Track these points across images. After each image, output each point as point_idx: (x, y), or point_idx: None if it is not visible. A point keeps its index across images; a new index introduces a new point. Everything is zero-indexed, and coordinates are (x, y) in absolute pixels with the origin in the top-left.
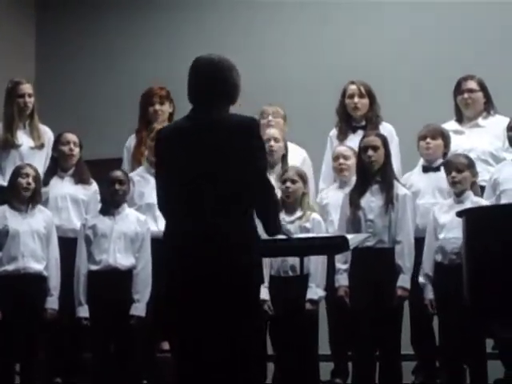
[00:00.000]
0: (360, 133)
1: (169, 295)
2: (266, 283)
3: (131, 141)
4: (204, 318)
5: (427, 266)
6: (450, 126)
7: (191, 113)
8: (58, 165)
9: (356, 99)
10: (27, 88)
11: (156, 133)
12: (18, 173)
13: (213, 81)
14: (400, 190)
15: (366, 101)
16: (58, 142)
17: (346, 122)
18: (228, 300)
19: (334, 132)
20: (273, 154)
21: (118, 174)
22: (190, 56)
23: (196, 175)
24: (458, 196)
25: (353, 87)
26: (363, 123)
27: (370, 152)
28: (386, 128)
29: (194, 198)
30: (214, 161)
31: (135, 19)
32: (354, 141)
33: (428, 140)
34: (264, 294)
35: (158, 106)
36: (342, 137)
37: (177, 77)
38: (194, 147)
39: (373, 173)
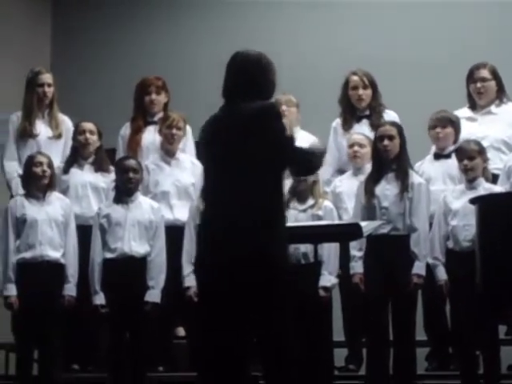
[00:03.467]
0: (365, 122)
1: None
2: None
3: (126, 129)
4: (231, 310)
5: (437, 250)
6: (463, 113)
7: (223, 105)
8: (78, 154)
9: (360, 91)
10: (47, 78)
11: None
12: (31, 162)
13: (248, 78)
14: (415, 178)
15: (369, 91)
16: (76, 131)
17: (350, 112)
18: (253, 288)
19: (337, 122)
20: None
21: (131, 162)
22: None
23: (224, 162)
24: (470, 182)
25: (355, 78)
26: (367, 112)
27: (386, 141)
28: (390, 115)
29: (222, 186)
30: (236, 148)
31: (151, 9)
32: (358, 130)
33: (438, 129)
34: None
35: (154, 96)
36: (346, 127)
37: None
38: (221, 136)
39: (388, 161)
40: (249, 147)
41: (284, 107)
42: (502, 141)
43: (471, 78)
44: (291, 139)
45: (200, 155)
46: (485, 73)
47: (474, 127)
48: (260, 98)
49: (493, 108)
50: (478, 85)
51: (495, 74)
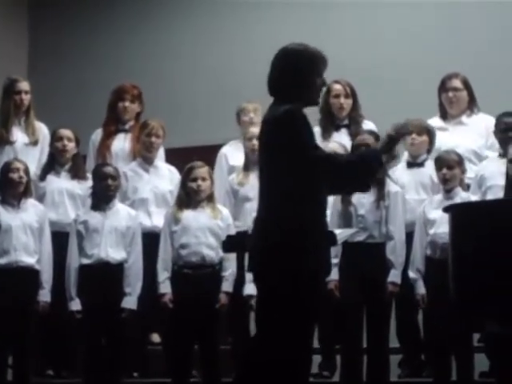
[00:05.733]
0: (343, 131)
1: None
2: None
3: (97, 135)
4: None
5: (418, 261)
6: (434, 122)
7: (270, 105)
8: (54, 160)
9: (342, 100)
10: (24, 85)
11: None
12: (7, 169)
13: (281, 72)
14: (392, 187)
15: (350, 101)
16: (53, 138)
17: (330, 121)
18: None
19: (316, 130)
20: (255, 153)
21: (109, 169)
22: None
23: (260, 167)
24: (448, 192)
25: (338, 87)
26: (346, 122)
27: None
28: (367, 126)
29: (259, 196)
30: (262, 156)
31: (131, 12)
32: (337, 139)
33: (413, 136)
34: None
35: (127, 103)
36: (326, 135)
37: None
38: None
39: None
40: (270, 154)
41: (252, 115)
42: (473, 151)
43: (443, 87)
44: (306, 147)
45: None
46: (457, 83)
47: (445, 137)
48: (302, 95)
49: (464, 118)
50: (450, 94)
51: (467, 85)
